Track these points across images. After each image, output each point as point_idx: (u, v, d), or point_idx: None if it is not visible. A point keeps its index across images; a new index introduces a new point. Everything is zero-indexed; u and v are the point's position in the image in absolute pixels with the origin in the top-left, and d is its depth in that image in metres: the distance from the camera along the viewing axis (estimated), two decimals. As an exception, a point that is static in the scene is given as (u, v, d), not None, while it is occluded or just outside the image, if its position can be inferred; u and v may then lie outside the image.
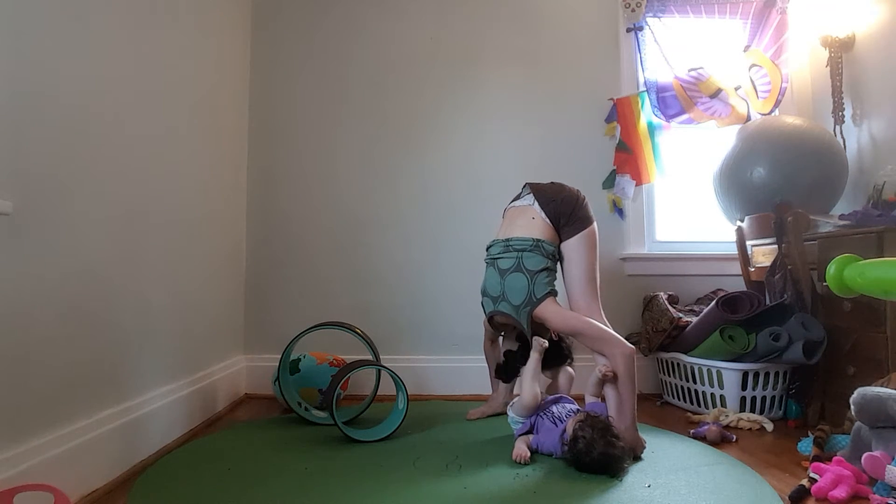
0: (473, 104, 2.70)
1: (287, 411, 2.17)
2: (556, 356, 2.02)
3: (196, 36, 2.05)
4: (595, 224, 1.94)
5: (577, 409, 1.75)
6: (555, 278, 1.90)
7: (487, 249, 2.01)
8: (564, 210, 1.91)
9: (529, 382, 1.80)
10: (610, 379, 1.73)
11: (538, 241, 1.88)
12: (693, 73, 2.67)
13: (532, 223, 1.92)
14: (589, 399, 1.79)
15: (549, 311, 1.82)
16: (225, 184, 2.36)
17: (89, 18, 1.41)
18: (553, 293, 1.86)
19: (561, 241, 1.92)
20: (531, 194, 1.98)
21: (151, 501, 1.34)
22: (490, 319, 2.01)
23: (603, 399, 1.78)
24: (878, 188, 2.17)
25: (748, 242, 2.46)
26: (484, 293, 1.97)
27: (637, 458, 1.66)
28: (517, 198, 2.05)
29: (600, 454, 1.51)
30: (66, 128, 1.33)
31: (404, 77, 2.70)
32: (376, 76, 2.69)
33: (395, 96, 2.69)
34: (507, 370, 2.03)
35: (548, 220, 1.91)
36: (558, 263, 1.94)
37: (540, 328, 1.90)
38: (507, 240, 1.93)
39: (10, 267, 1.15)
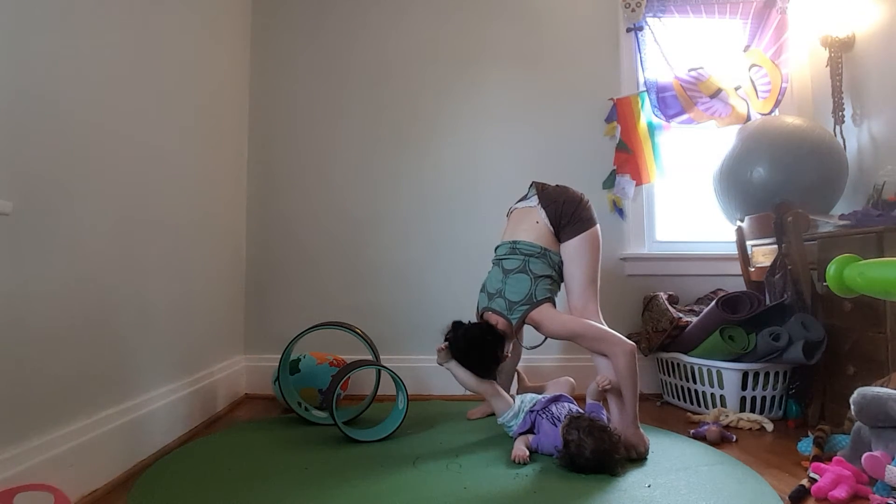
0: (473, 104, 2.70)
1: (287, 411, 2.17)
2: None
3: (197, 36, 2.05)
4: (598, 227, 1.95)
5: (577, 409, 1.74)
6: (557, 289, 1.92)
7: (496, 250, 2.03)
8: (566, 211, 1.92)
9: (475, 383, 1.83)
10: (609, 390, 1.73)
11: (545, 250, 1.90)
12: (693, 73, 2.67)
13: (535, 227, 1.93)
14: (590, 401, 1.79)
15: (547, 316, 1.83)
16: (225, 183, 2.36)
17: (90, 19, 1.41)
18: (551, 300, 1.87)
19: (561, 243, 1.93)
20: (536, 195, 1.99)
21: (151, 501, 1.34)
22: (480, 316, 2.01)
23: (604, 402, 1.77)
24: (878, 188, 2.17)
25: (748, 242, 2.46)
26: (482, 289, 1.99)
27: (641, 458, 1.65)
28: (523, 198, 2.06)
29: (592, 451, 1.51)
30: (66, 128, 1.33)
31: (404, 77, 2.70)
32: (376, 76, 2.69)
33: (394, 96, 2.69)
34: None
35: (549, 222, 1.92)
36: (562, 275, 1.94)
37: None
38: (514, 242, 1.94)
39: (9, 267, 1.15)
